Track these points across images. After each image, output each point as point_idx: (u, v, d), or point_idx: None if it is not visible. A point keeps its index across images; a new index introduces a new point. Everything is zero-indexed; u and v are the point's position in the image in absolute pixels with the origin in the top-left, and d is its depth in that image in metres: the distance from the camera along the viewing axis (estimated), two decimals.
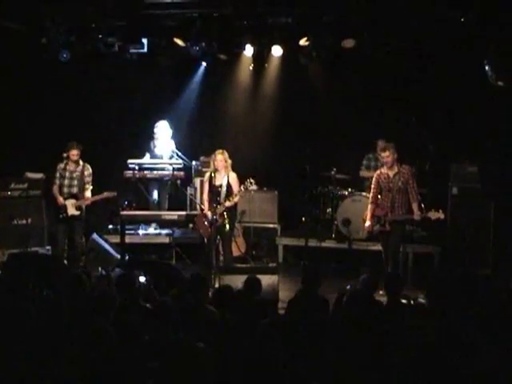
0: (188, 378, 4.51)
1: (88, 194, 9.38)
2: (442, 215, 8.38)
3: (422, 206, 8.58)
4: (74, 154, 9.31)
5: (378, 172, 8.79)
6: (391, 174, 8.60)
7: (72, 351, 4.75)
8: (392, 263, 8.46)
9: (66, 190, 9.39)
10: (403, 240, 9.01)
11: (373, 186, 8.81)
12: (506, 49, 8.82)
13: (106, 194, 9.36)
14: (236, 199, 8.90)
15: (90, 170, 9.42)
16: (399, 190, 8.53)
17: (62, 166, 9.43)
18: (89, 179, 9.38)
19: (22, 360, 4.62)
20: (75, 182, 9.37)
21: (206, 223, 8.82)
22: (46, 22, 9.96)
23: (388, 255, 8.62)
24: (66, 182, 9.40)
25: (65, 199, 9.33)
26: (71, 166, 9.38)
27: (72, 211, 9.27)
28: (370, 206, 8.76)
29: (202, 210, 9.05)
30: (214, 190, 8.79)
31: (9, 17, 9.79)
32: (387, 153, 8.49)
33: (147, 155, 10.79)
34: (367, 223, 8.70)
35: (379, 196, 8.71)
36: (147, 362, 4.60)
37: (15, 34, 10.07)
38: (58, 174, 9.43)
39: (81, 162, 9.40)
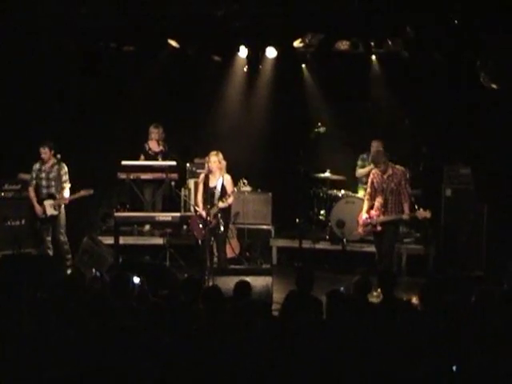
0: (185, 379, 4.50)
1: (66, 192, 9.32)
2: (428, 214, 8.46)
3: (416, 206, 8.60)
4: (41, 152, 9.25)
5: (374, 171, 8.83)
6: (385, 175, 8.65)
7: (66, 353, 4.74)
8: (386, 264, 8.48)
9: (44, 190, 9.35)
10: (397, 241, 9.04)
11: (368, 185, 8.89)
12: (500, 51, 8.85)
13: (82, 193, 9.26)
14: (230, 200, 8.90)
15: (66, 169, 9.36)
16: (392, 192, 8.59)
17: (37, 166, 9.38)
18: (66, 178, 9.32)
19: (16, 362, 4.61)
20: (53, 183, 9.33)
21: (199, 225, 8.80)
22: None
23: (381, 256, 8.64)
24: (44, 182, 9.35)
25: (43, 200, 9.30)
26: (46, 166, 9.33)
27: (51, 211, 9.24)
28: (366, 203, 8.81)
29: (196, 211, 9.04)
30: (209, 192, 8.78)
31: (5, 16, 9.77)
32: (379, 164, 8.60)
33: (141, 157, 10.79)
34: (364, 215, 8.73)
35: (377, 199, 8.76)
36: (141, 363, 4.59)
37: (10, 33, 10.04)
38: (34, 175, 9.37)
39: (56, 161, 9.35)
